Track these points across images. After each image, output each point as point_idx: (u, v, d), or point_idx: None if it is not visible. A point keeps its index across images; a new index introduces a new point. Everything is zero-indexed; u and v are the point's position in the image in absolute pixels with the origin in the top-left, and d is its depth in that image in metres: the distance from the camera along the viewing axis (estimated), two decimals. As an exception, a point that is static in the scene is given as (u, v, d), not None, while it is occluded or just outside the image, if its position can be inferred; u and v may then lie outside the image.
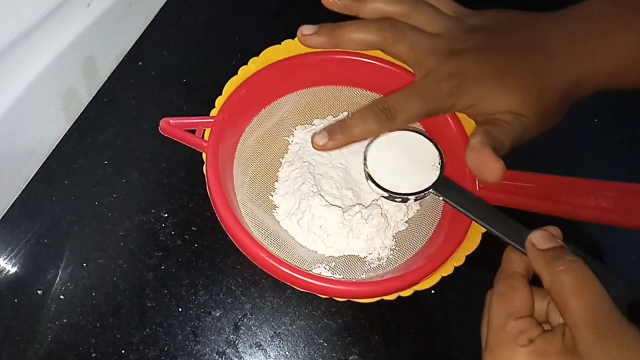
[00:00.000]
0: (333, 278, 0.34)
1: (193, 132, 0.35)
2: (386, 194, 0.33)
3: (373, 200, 0.38)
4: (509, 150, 0.30)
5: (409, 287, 0.31)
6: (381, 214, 0.36)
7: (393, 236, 0.37)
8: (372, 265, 0.36)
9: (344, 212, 0.36)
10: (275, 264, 0.30)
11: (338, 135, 0.31)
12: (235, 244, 0.32)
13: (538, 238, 0.25)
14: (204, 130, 0.35)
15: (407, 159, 0.33)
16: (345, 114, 0.42)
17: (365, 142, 0.33)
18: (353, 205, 0.37)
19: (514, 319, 0.24)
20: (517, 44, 0.32)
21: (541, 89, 0.30)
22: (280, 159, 0.40)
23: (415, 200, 0.33)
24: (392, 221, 0.37)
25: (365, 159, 0.33)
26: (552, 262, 0.24)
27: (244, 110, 0.38)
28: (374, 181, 0.33)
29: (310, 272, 0.33)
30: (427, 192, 0.32)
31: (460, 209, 0.31)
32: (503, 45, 0.31)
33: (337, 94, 0.41)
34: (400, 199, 0.33)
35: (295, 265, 0.32)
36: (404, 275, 0.31)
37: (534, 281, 0.26)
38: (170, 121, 0.34)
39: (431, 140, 0.33)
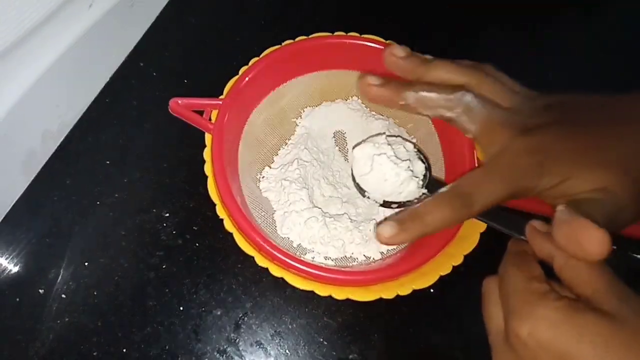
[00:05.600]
0: (326, 265, 0.34)
1: (201, 113, 0.36)
2: (381, 201, 0.33)
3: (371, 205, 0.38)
4: None
5: (403, 274, 0.31)
6: (374, 224, 0.36)
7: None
8: (362, 263, 0.36)
9: (325, 218, 0.36)
10: (270, 248, 0.31)
11: (409, 224, 0.27)
12: (234, 225, 0.32)
13: (540, 224, 0.26)
14: (212, 111, 0.36)
15: (393, 166, 0.33)
16: (355, 98, 0.42)
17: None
18: (341, 214, 0.37)
19: (538, 281, 0.24)
20: (599, 118, 0.28)
21: (633, 161, 0.26)
22: (287, 140, 0.40)
23: (412, 204, 0.33)
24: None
25: (352, 172, 0.34)
26: None
27: (253, 93, 0.38)
28: (364, 193, 0.33)
29: (302, 258, 0.33)
30: (420, 195, 0.33)
31: None
32: (582, 120, 0.28)
33: (347, 78, 0.41)
34: (397, 205, 0.33)
35: (287, 249, 0.33)
36: (398, 262, 0.32)
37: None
38: (179, 101, 0.35)
39: (412, 143, 0.34)
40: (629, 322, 0.21)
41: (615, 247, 0.24)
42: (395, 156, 0.32)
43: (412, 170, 0.32)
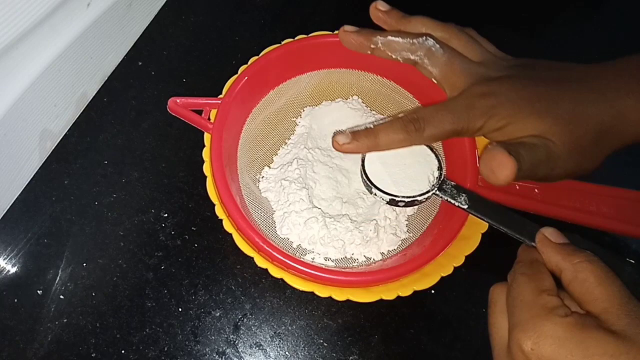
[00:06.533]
0: (326, 266, 0.34)
1: (200, 113, 0.35)
2: (388, 199, 0.32)
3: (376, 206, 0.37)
4: (528, 171, 0.27)
5: (404, 275, 0.31)
6: (375, 224, 0.36)
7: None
8: (363, 263, 0.36)
9: (325, 219, 0.35)
10: (270, 249, 0.31)
11: (363, 138, 0.30)
12: (233, 225, 0.32)
13: (551, 233, 0.26)
14: (211, 111, 0.35)
15: (404, 163, 0.33)
16: (356, 97, 0.42)
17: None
18: (342, 215, 0.37)
19: (548, 294, 0.23)
20: (554, 76, 0.30)
21: (576, 117, 0.28)
22: (287, 140, 0.40)
23: (419, 202, 0.32)
24: (385, 233, 0.36)
25: (363, 164, 0.33)
26: (571, 256, 0.24)
27: (252, 92, 0.38)
28: (376, 187, 0.32)
29: (302, 258, 0.33)
30: (429, 194, 0.32)
31: (465, 209, 0.31)
32: (538, 76, 0.30)
33: (348, 77, 0.41)
34: (403, 204, 0.32)
35: (286, 250, 0.33)
36: (399, 263, 0.32)
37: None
38: (178, 101, 0.35)
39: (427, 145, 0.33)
40: (638, 343, 0.21)
41: (633, 261, 0.24)
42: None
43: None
